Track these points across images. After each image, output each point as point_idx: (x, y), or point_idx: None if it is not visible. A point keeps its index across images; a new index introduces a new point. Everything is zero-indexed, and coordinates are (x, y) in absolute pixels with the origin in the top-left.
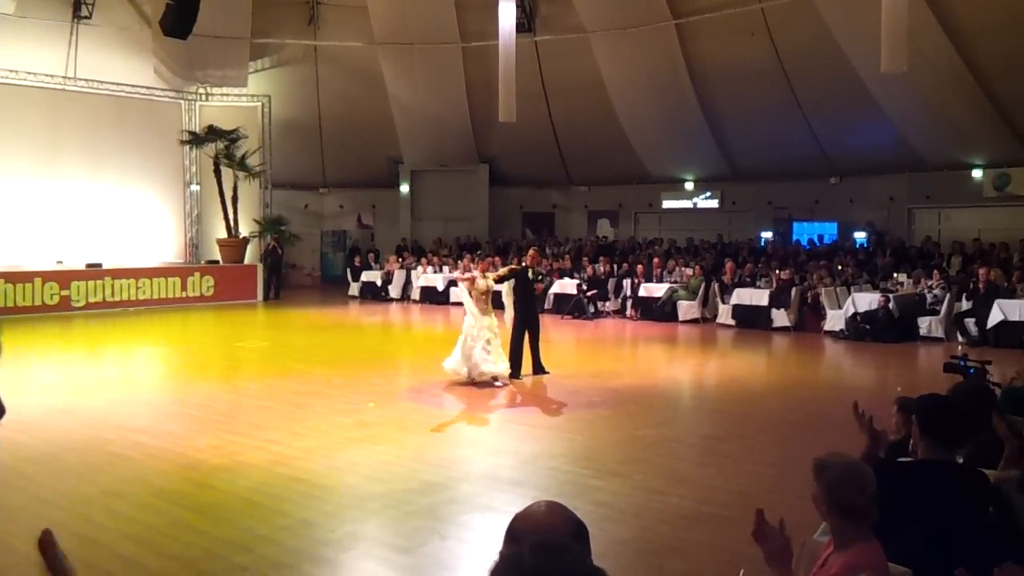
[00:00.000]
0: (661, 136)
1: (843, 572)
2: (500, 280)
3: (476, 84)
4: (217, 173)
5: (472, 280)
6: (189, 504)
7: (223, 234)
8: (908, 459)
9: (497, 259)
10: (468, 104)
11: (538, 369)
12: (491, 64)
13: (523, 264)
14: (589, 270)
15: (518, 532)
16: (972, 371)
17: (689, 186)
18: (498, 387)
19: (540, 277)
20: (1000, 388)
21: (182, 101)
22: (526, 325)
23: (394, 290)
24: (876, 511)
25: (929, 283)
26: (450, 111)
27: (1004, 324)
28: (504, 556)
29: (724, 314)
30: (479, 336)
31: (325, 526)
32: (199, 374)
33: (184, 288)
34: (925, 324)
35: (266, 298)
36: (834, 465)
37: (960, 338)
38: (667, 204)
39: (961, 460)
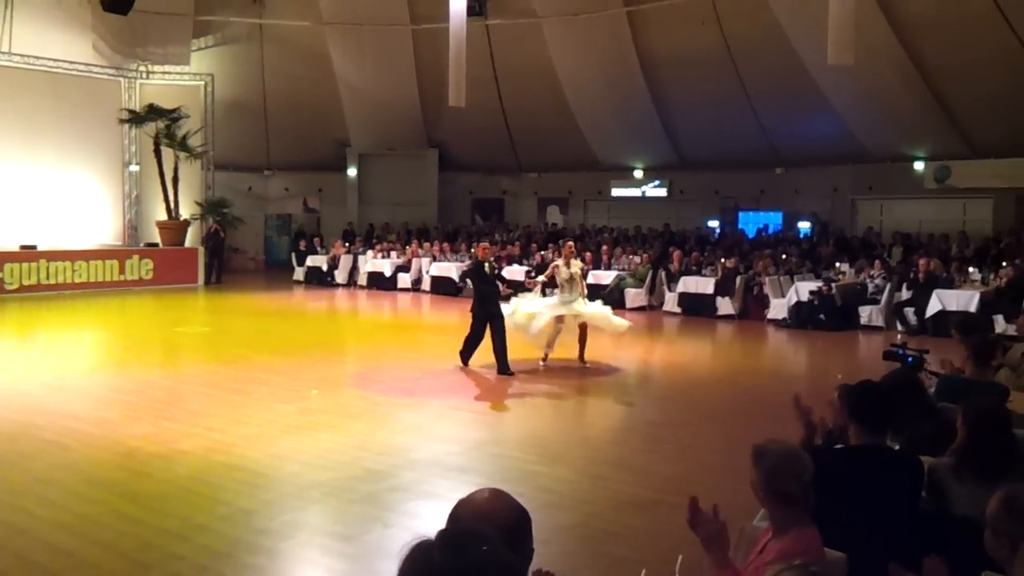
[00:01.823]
0: (611, 124)
1: (780, 558)
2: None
3: (426, 67)
4: (157, 153)
5: (555, 270)
6: (124, 492)
7: (163, 216)
8: (843, 445)
9: (446, 244)
10: (418, 87)
11: (504, 369)
12: (441, 47)
13: (476, 258)
14: (538, 257)
15: (460, 519)
16: (911, 359)
17: (638, 174)
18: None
19: (495, 271)
20: (937, 376)
21: (122, 79)
22: (486, 321)
23: (340, 275)
24: (813, 497)
25: (871, 273)
26: (399, 94)
27: (942, 313)
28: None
29: (670, 302)
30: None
31: (264, 515)
32: (136, 360)
33: (122, 271)
34: (866, 313)
35: (207, 282)
36: (772, 452)
37: (900, 327)
38: (616, 192)
39: (897, 447)
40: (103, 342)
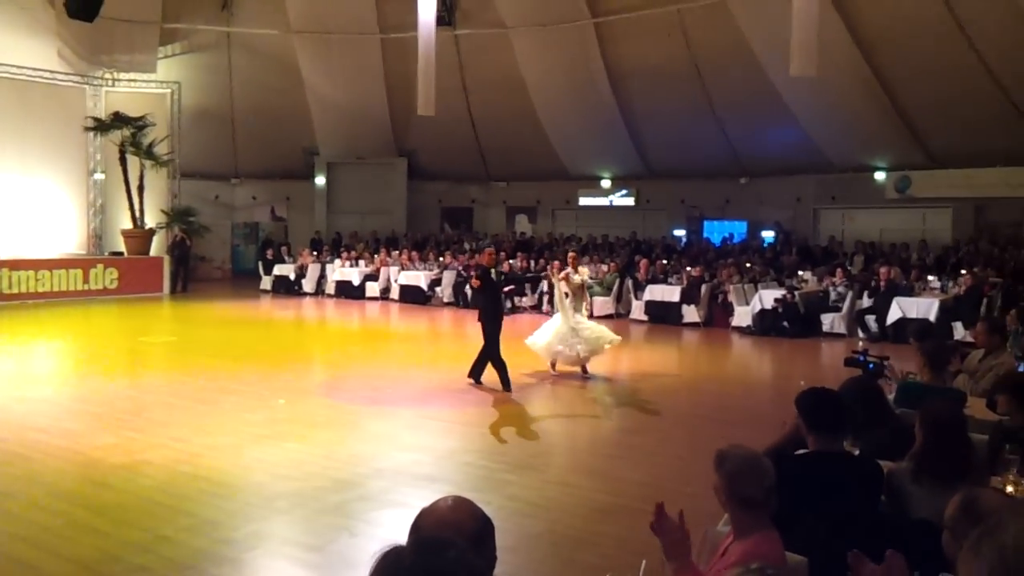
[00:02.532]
0: (579, 134)
1: (741, 561)
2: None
3: (395, 76)
4: (123, 161)
5: (567, 276)
6: (87, 504)
7: (128, 225)
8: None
9: (415, 253)
10: (387, 96)
11: (475, 375)
12: (410, 56)
13: (480, 265)
14: (506, 266)
15: (422, 527)
16: (871, 366)
17: (606, 184)
18: (585, 377)
19: (502, 277)
20: (896, 383)
21: (87, 86)
22: (498, 332)
23: (308, 284)
24: (774, 501)
25: (832, 281)
26: (368, 103)
27: (903, 321)
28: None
29: (637, 310)
30: (578, 327)
31: (229, 525)
32: (101, 370)
33: (86, 280)
34: (828, 320)
35: (173, 291)
36: (734, 456)
37: (861, 334)
38: (584, 201)
39: (857, 452)
40: (67, 352)
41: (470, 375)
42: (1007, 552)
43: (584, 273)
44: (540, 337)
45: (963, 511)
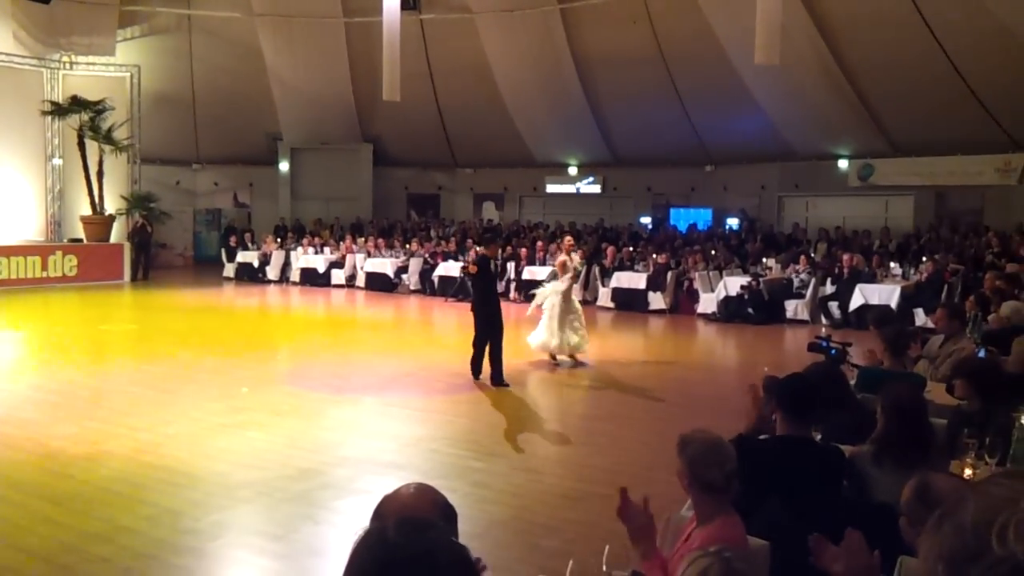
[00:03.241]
0: (546, 121)
1: (703, 546)
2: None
3: (360, 61)
4: (81, 146)
5: (562, 264)
6: (46, 495)
7: (87, 211)
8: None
9: (381, 240)
10: (351, 81)
11: (498, 379)
12: (375, 41)
13: (484, 255)
14: (472, 253)
15: (384, 514)
16: (834, 352)
17: (573, 171)
18: (581, 363)
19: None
20: (859, 368)
21: (44, 69)
22: (490, 327)
23: (272, 271)
24: (736, 486)
25: (796, 268)
26: (332, 88)
27: (865, 307)
28: (368, 531)
29: (604, 296)
30: (572, 313)
31: (191, 515)
32: (60, 359)
33: (45, 268)
34: (792, 307)
35: (134, 279)
36: (696, 441)
37: (824, 320)
38: (551, 188)
39: (819, 437)
40: (25, 341)
41: (473, 372)
42: (966, 530)
43: (576, 260)
44: (538, 336)
45: (917, 496)
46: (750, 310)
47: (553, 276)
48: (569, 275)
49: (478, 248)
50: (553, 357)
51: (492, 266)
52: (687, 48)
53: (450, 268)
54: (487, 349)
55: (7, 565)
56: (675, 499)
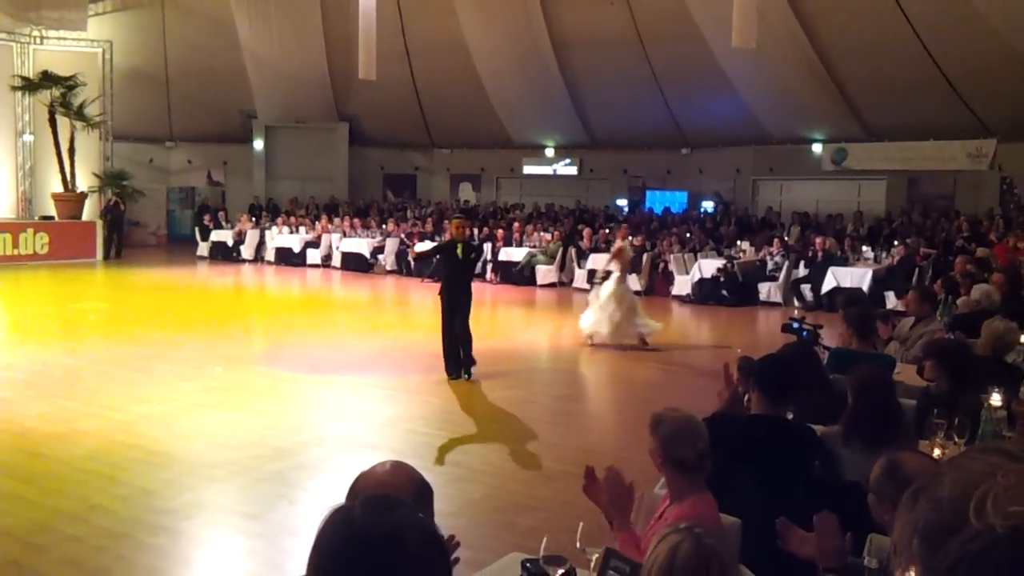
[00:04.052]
0: (523, 102)
1: (675, 523)
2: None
3: (335, 39)
4: (52, 123)
5: (620, 249)
6: (18, 475)
7: (59, 188)
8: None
9: (357, 220)
10: (327, 59)
11: (458, 370)
12: (351, 18)
13: (449, 237)
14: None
15: (359, 491)
16: (805, 333)
17: (549, 153)
18: (647, 348)
19: (473, 255)
20: (829, 350)
21: (14, 44)
22: (448, 315)
23: (247, 251)
24: (708, 464)
25: (770, 251)
26: (307, 66)
27: (837, 290)
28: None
29: (580, 278)
30: (627, 300)
31: (164, 494)
32: (32, 337)
33: (16, 245)
34: (765, 289)
35: (106, 257)
36: (668, 420)
37: (797, 303)
38: (528, 170)
39: (791, 416)
40: None
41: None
42: (943, 504)
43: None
44: (588, 318)
45: (886, 474)
46: (724, 292)
47: (530, 257)
48: (621, 261)
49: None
50: (590, 338)
51: (460, 249)
52: (664, 31)
53: (426, 248)
54: (459, 339)
55: None
56: (648, 477)
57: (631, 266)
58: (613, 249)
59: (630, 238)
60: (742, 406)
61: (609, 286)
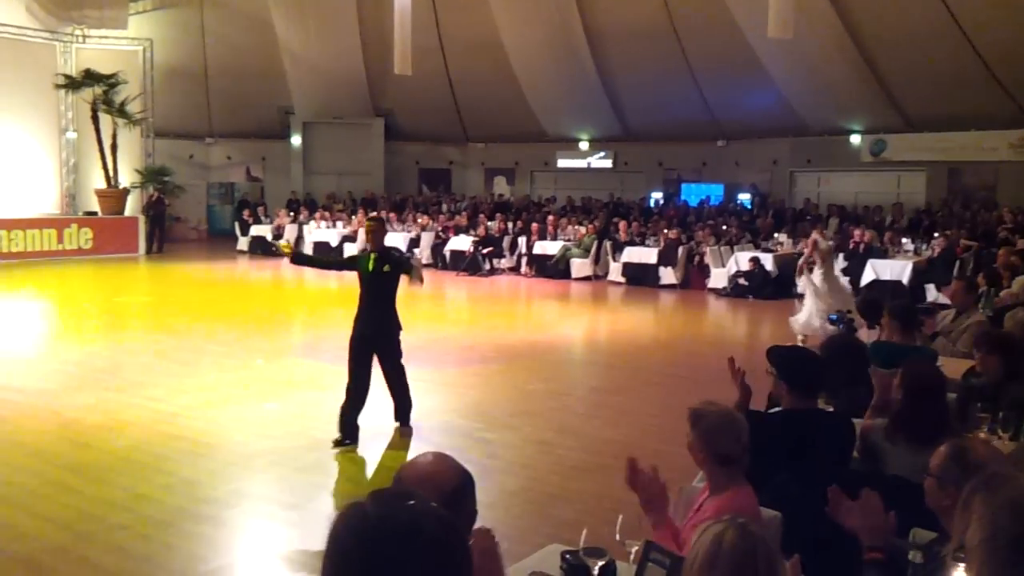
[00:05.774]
0: (557, 95)
1: (716, 515)
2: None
3: (371, 35)
4: (95, 120)
5: (814, 242)
6: (65, 464)
7: (102, 184)
8: (779, 408)
9: (393, 215)
10: (363, 55)
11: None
12: (386, 14)
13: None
14: (482, 229)
15: (404, 481)
16: (842, 325)
17: (584, 146)
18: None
19: (386, 267)
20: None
21: (57, 43)
22: (366, 350)
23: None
24: (748, 457)
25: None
26: (344, 62)
27: (876, 283)
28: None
29: (615, 272)
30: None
31: (208, 484)
32: (77, 330)
33: (60, 240)
34: (802, 282)
35: (148, 251)
36: (709, 414)
37: None
38: (562, 163)
39: (832, 409)
40: (42, 313)
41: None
42: (1002, 513)
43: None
44: (800, 317)
45: (953, 459)
46: (748, 294)
47: (565, 250)
48: (820, 254)
49: (489, 223)
50: (803, 340)
51: (372, 262)
52: (699, 21)
53: (461, 242)
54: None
55: (27, 532)
56: (684, 470)
57: (827, 255)
58: (808, 243)
59: (815, 235)
60: (746, 398)
61: (816, 282)
